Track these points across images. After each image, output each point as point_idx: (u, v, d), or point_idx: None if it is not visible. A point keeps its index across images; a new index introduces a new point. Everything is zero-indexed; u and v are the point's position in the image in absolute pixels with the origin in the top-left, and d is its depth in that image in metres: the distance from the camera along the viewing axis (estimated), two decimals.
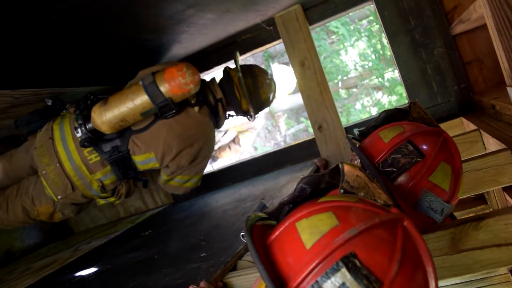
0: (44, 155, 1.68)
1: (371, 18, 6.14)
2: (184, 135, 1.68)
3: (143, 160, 1.73)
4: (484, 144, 1.49)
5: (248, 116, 1.94)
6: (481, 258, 0.80)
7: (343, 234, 0.53)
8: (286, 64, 4.73)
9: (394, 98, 6.22)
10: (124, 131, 1.71)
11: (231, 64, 1.97)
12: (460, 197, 0.96)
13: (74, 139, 1.68)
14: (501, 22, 1.07)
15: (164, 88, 1.58)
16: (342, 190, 0.72)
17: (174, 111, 1.64)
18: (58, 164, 1.66)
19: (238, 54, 1.89)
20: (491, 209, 1.77)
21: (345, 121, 5.64)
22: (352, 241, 0.52)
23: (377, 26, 6.04)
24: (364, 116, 5.86)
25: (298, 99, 5.89)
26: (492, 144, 1.37)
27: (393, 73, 6.12)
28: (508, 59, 1.08)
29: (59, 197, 1.70)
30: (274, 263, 0.57)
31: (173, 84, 1.58)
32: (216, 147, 3.31)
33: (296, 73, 2.13)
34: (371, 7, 2.28)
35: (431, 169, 0.91)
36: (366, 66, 6.44)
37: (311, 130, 2.17)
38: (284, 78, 4.02)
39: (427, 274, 0.55)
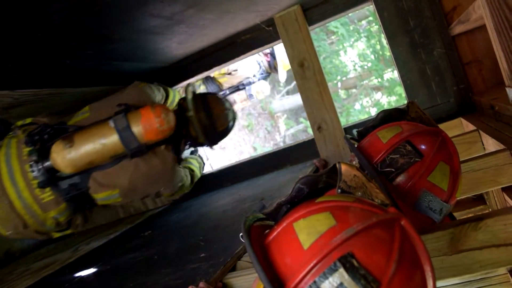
0: None
1: (370, 18, 6.15)
2: (150, 173, 1.63)
3: (104, 197, 1.63)
4: (483, 145, 1.49)
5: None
6: (480, 259, 0.80)
7: (341, 234, 0.53)
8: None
9: (393, 98, 6.23)
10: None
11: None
12: (459, 198, 0.96)
13: (23, 174, 1.50)
14: (500, 22, 1.07)
15: (139, 133, 1.51)
16: (339, 190, 0.72)
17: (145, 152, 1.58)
18: (7, 202, 1.49)
19: (189, 88, 1.81)
20: (490, 210, 1.77)
21: (344, 121, 5.63)
22: (349, 241, 0.52)
23: (377, 26, 6.05)
24: (363, 117, 5.87)
25: (297, 100, 5.90)
26: (491, 144, 1.37)
27: (392, 74, 6.13)
28: (507, 60, 1.08)
29: (9, 232, 1.55)
30: (272, 264, 0.57)
31: (150, 130, 1.52)
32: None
33: (295, 73, 2.13)
34: (370, 7, 2.28)
35: (429, 169, 0.91)
36: (366, 67, 6.44)
37: (310, 130, 2.17)
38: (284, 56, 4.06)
39: (425, 274, 0.55)
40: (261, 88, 3.43)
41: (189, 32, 1.87)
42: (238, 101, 3.48)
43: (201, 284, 1.00)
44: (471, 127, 1.62)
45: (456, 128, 1.83)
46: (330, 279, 0.50)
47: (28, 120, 1.65)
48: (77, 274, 1.60)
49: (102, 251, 1.90)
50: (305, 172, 1.98)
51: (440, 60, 1.91)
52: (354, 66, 6.52)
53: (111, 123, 1.52)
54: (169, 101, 2.10)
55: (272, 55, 3.31)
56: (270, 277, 0.53)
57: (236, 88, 3.40)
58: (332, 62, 6.41)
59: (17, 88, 1.61)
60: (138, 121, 1.52)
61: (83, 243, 2.19)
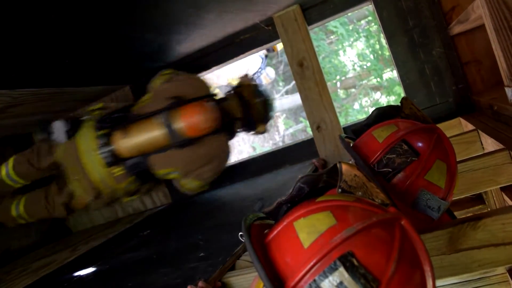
0: (70, 167, 1.80)
1: (369, 18, 6.14)
2: (207, 155, 1.78)
3: (164, 173, 1.84)
4: (482, 144, 1.50)
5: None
6: (478, 258, 0.81)
7: (341, 234, 0.53)
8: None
9: (392, 98, 6.22)
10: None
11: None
12: (458, 197, 0.96)
13: (97, 153, 1.78)
14: (499, 22, 1.07)
15: (182, 129, 1.68)
16: (340, 190, 0.72)
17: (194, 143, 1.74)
18: (85, 176, 1.79)
19: (249, 77, 2.03)
20: (489, 209, 1.77)
21: (343, 121, 5.64)
22: (349, 240, 0.53)
23: (376, 26, 6.05)
24: (362, 116, 5.86)
25: (296, 99, 5.89)
26: (490, 144, 1.38)
27: (391, 73, 6.13)
28: (506, 60, 1.08)
29: (89, 199, 1.88)
30: (272, 263, 0.57)
31: (193, 127, 1.68)
32: None
33: (294, 73, 2.13)
34: (369, 7, 2.29)
35: (426, 168, 0.91)
36: (365, 66, 6.44)
37: (309, 130, 2.17)
38: None
39: (425, 273, 0.55)
40: (268, 74, 3.46)
41: (188, 32, 1.86)
42: None
43: (200, 284, 1.00)
44: (470, 126, 1.62)
45: (455, 128, 1.83)
46: (330, 278, 0.50)
47: (100, 105, 1.94)
48: (76, 274, 1.59)
49: (101, 250, 1.89)
50: (304, 172, 1.98)
51: (439, 60, 1.91)
52: (353, 65, 6.51)
53: (160, 118, 1.71)
54: None
55: None
56: (270, 275, 0.53)
57: None
58: (331, 62, 6.41)
59: (16, 88, 1.61)
60: (180, 118, 1.69)
61: (81, 243, 2.19)
